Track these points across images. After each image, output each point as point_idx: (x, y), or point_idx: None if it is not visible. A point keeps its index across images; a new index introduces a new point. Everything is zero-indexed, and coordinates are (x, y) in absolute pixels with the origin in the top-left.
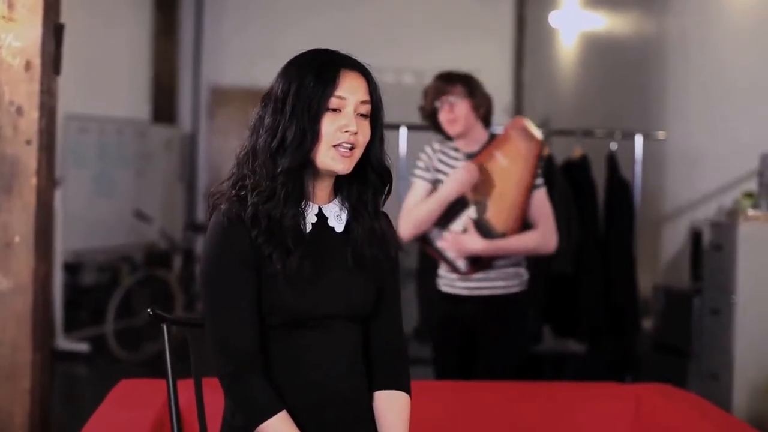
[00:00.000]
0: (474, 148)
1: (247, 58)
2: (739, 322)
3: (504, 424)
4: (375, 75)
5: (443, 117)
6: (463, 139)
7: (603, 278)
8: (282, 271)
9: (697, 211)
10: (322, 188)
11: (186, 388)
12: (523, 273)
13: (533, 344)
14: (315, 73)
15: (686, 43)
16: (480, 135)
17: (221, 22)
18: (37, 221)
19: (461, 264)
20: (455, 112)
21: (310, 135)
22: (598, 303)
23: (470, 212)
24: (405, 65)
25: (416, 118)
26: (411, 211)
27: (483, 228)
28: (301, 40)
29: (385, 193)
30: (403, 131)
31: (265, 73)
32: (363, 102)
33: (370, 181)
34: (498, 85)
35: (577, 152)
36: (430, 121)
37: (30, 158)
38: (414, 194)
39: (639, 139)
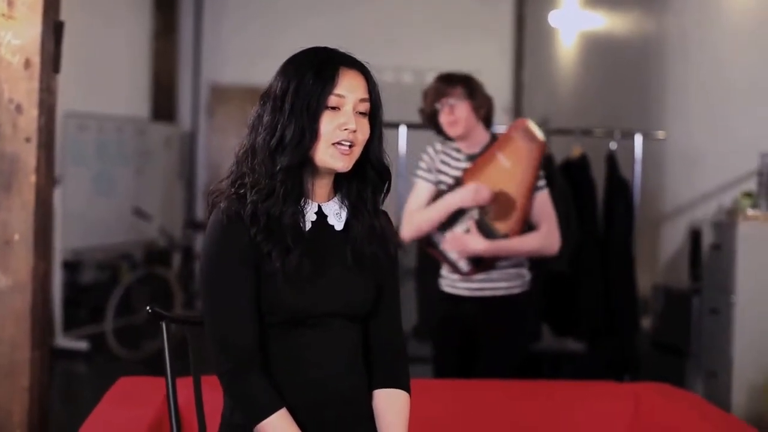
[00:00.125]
0: (475, 149)
1: (247, 56)
2: (738, 322)
3: (503, 423)
4: (374, 73)
5: (444, 119)
6: (464, 140)
7: (602, 277)
8: (281, 269)
9: (696, 211)
10: (322, 186)
11: (185, 385)
12: (525, 274)
13: (533, 343)
14: (314, 71)
15: (686, 43)
16: (481, 136)
17: (221, 20)
18: (37, 219)
19: (463, 264)
20: (456, 113)
21: (309, 133)
22: (598, 302)
23: (472, 213)
24: (404, 64)
25: (415, 117)
26: (413, 214)
27: (485, 229)
28: (301, 39)
29: (385, 191)
30: (403, 130)
31: (264, 72)
32: (362, 100)
33: (369, 179)
34: (497, 84)
35: (576, 152)
36: (431, 123)
37: (29, 156)
38: (416, 195)
39: (638, 139)
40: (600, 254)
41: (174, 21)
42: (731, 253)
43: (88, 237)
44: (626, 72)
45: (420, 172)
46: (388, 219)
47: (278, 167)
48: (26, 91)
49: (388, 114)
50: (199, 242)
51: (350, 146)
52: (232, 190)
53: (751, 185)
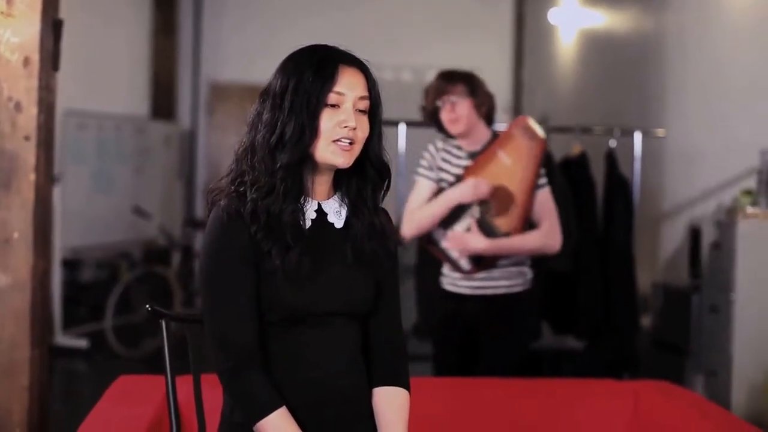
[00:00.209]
0: (477, 146)
1: (246, 54)
2: (738, 320)
3: (503, 421)
4: (373, 71)
5: (445, 116)
6: (465, 138)
7: (602, 275)
8: (281, 267)
9: (696, 209)
10: (321, 184)
11: (185, 384)
12: (527, 272)
13: (533, 341)
14: (314, 69)
15: (685, 41)
16: (482, 134)
17: (220, 18)
18: (36, 217)
19: (464, 263)
20: (457, 111)
21: (309, 130)
22: (597, 300)
23: (473, 211)
24: (404, 63)
25: (415, 115)
26: (414, 212)
27: (486, 227)
28: (300, 37)
29: (384, 189)
30: (402, 128)
31: (264, 70)
32: (362, 98)
33: (369, 176)
34: (497, 82)
35: (576, 149)
36: (432, 121)
37: (28, 154)
38: (417, 193)
39: (638, 137)
40: (599, 252)
41: (173, 19)
42: (731, 251)
43: (88, 235)
44: (626, 70)
45: (421, 170)
46: (388, 217)
47: (278, 165)
48: (25, 89)
49: (387, 112)
50: (199, 241)
51: (350, 143)
52: (232, 188)
53: (751, 183)
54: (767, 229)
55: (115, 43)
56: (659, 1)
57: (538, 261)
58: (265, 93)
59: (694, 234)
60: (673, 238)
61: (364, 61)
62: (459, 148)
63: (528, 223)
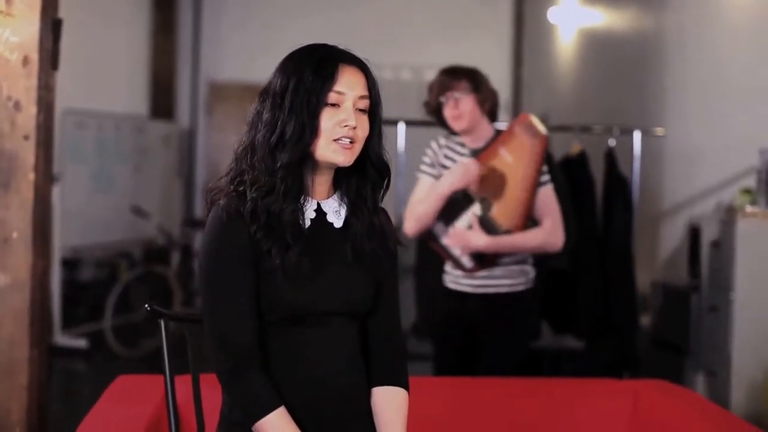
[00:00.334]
0: (480, 143)
1: (246, 53)
2: (737, 319)
3: (502, 420)
4: (373, 70)
5: (448, 113)
6: (468, 134)
7: (601, 275)
8: (281, 266)
9: (695, 208)
10: (321, 183)
11: (184, 383)
12: (529, 271)
13: (533, 341)
14: (313, 68)
15: (684, 40)
16: (486, 130)
17: (220, 17)
18: (35, 217)
19: (466, 260)
20: (460, 107)
21: (309, 130)
22: (597, 299)
23: (475, 209)
24: (403, 62)
25: (414, 114)
26: (413, 206)
27: (487, 225)
28: (300, 36)
29: (384, 188)
30: (402, 127)
31: (263, 69)
32: (362, 97)
33: (368, 176)
34: (496, 81)
35: (575, 148)
36: (436, 117)
37: (28, 154)
38: (419, 190)
39: (637, 136)
40: (599, 251)
41: (173, 19)
42: (730, 250)
43: (87, 235)
44: (625, 69)
45: (423, 167)
46: (388, 216)
47: (278, 164)
48: (24, 88)
49: (387, 111)
50: (198, 240)
51: (350, 143)
52: (231, 187)
53: (750, 182)
54: (766, 228)
55: (114, 42)
56: (659, 1)
57: (539, 260)
58: (265, 92)
59: (694, 233)
60: (672, 237)
61: (364, 61)
62: (462, 144)
63: (530, 221)
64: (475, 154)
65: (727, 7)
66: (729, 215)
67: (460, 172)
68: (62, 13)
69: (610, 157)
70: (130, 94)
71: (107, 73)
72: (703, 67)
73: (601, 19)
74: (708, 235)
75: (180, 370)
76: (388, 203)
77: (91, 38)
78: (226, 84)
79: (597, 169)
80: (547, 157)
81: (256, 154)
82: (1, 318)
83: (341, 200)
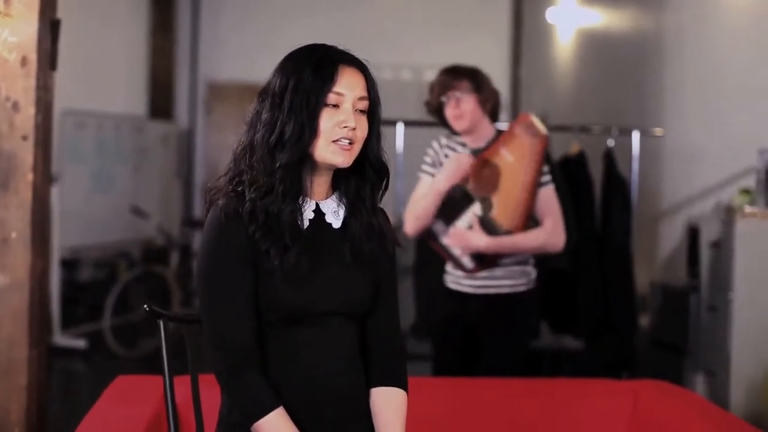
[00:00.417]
0: (481, 143)
1: (245, 53)
2: (736, 319)
3: (501, 421)
4: (373, 71)
5: (449, 113)
6: (469, 134)
7: (600, 275)
8: (279, 267)
9: (694, 208)
10: (320, 184)
11: (183, 384)
12: (531, 271)
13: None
14: (313, 69)
15: (683, 40)
16: (487, 130)
17: (218, 17)
18: (34, 217)
19: (467, 261)
20: (461, 107)
21: (309, 130)
22: (596, 300)
23: (475, 209)
24: (402, 62)
25: (413, 114)
26: (412, 205)
27: (488, 225)
28: (299, 36)
29: (383, 188)
30: (400, 127)
31: (262, 69)
32: (361, 98)
33: (367, 177)
34: (495, 81)
35: (574, 148)
36: (437, 117)
37: (26, 154)
38: (420, 190)
39: (636, 136)
40: (598, 251)
41: (171, 18)
42: (729, 250)
43: (86, 235)
44: (624, 69)
45: (424, 167)
46: (386, 217)
47: (277, 164)
48: (23, 88)
49: (386, 111)
50: (197, 240)
51: (349, 144)
52: (230, 187)
53: (749, 182)
54: (765, 228)
55: (112, 42)
56: (657, 1)
57: (539, 260)
58: (264, 92)
59: (693, 233)
60: (671, 237)
61: (363, 61)
62: (463, 144)
63: (531, 221)
64: (476, 154)
65: (726, 6)
66: (728, 215)
67: (453, 165)
68: (60, 13)
69: (608, 157)
70: (128, 95)
71: (106, 73)
72: (701, 67)
73: (600, 19)
74: (707, 235)
75: (179, 370)
76: (387, 204)
77: (90, 38)
78: (224, 84)
79: (596, 170)
80: (546, 157)
81: (255, 154)
82: (0, 318)
83: (340, 201)
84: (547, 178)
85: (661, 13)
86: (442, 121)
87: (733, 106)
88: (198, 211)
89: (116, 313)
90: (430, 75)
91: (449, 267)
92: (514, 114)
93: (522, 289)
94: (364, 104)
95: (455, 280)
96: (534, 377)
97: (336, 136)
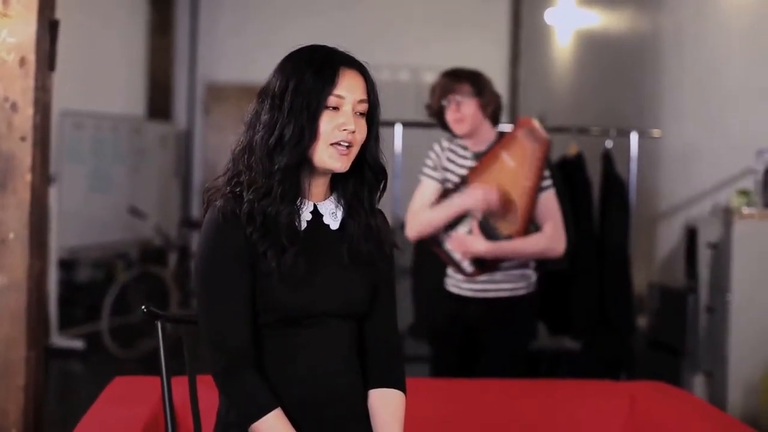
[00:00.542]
0: (482, 147)
1: (243, 54)
2: (734, 321)
3: (499, 422)
4: (372, 73)
5: (450, 116)
6: (470, 138)
7: (598, 276)
8: (277, 268)
9: (692, 209)
10: (318, 185)
11: (180, 385)
12: (531, 275)
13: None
14: (314, 71)
15: (681, 41)
16: (488, 134)
17: (217, 18)
18: (32, 218)
19: (467, 265)
20: (462, 111)
21: (308, 133)
22: (594, 300)
23: (476, 213)
24: (401, 62)
25: (412, 115)
26: (417, 213)
27: (488, 230)
28: (297, 37)
29: (381, 190)
30: (399, 128)
31: (260, 70)
32: (361, 101)
33: (365, 178)
34: (493, 82)
35: (572, 150)
36: (438, 120)
37: (24, 154)
38: (422, 194)
39: (634, 137)
40: (596, 253)
41: (170, 19)
42: (727, 251)
43: (84, 235)
44: (622, 70)
45: (426, 170)
46: (384, 218)
47: (276, 167)
48: (21, 89)
49: (384, 112)
50: (195, 241)
51: (348, 146)
52: (228, 188)
53: (747, 183)
54: (763, 229)
55: (111, 43)
56: (655, 2)
57: (538, 263)
58: (264, 93)
59: (690, 234)
60: (669, 238)
61: (363, 64)
62: (464, 148)
63: (532, 226)
64: (478, 157)
65: (724, 7)
66: (726, 216)
67: (480, 196)
68: (59, 14)
69: (607, 158)
70: (127, 95)
71: (104, 74)
72: (699, 68)
73: (598, 20)
74: (705, 236)
75: (177, 371)
76: (384, 205)
77: (88, 39)
78: (223, 85)
79: (594, 171)
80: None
81: (253, 155)
82: None
83: (338, 202)
84: (547, 182)
85: (659, 15)
86: (442, 125)
87: (730, 108)
88: (196, 211)
89: (114, 313)
90: (429, 76)
91: (450, 270)
92: (513, 115)
93: (522, 292)
94: (363, 107)
95: (455, 283)
96: (532, 378)
97: (335, 139)
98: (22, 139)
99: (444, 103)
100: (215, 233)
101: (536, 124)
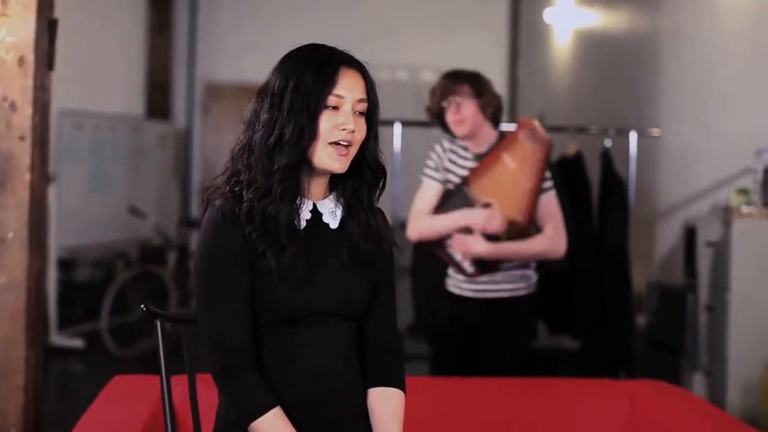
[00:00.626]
0: (483, 148)
1: (242, 53)
2: (733, 319)
3: (498, 420)
4: (372, 73)
5: (450, 118)
6: (471, 139)
7: (597, 275)
8: (276, 267)
9: (691, 208)
10: (318, 185)
11: (180, 384)
12: (531, 275)
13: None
14: (314, 70)
15: (679, 40)
16: (489, 135)
17: (216, 17)
18: (31, 217)
19: (467, 266)
20: (462, 112)
21: (308, 132)
22: (593, 299)
23: None
24: (399, 62)
25: (410, 114)
26: (419, 216)
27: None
28: (296, 36)
29: (380, 189)
30: (398, 127)
31: (259, 69)
32: (360, 100)
33: (365, 177)
34: (492, 81)
35: (571, 149)
36: (438, 121)
37: (23, 154)
38: (423, 195)
39: (633, 136)
40: (595, 252)
41: (169, 18)
42: (726, 250)
43: (83, 235)
44: (621, 69)
45: (428, 171)
46: (384, 217)
47: (276, 166)
48: (20, 88)
49: (383, 111)
50: (194, 240)
51: (347, 146)
52: (227, 187)
53: (745, 182)
54: (762, 228)
55: (110, 42)
56: (654, 1)
57: (538, 263)
58: (263, 92)
59: (690, 233)
60: (668, 237)
61: (363, 63)
62: (465, 149)
63: (533, 227)
64: (479, 158)
65: (722, 7)
66: (725, 215)
67: (486, 219)
68: (58, 13)
69: (606, 157)
70: (126, 95)
71: (103, 73)
72: (698, 68)
73: (597, 19)
74: (704, 235)
75: (176, 370)
76: (384, 204)
77: (87, 38)
78: (222, 84)
79: (593, 170)
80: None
81: (253, 154)
82: None
83: (337, 201)
84: (548, 184)
85: (657, 14)
86: (443, 126)
87: (729, 107)
88: (195, 211)
89: (113, 313)
90: (427, 75)
91: (451, 271)
92: (512, 114)
93: (522, 293)
94: (363, 106)
95: (456, 284)
96: (531, 377)
97: (334, 138)
98: (21, 138)
99: (444, 104)
100: (215, 232)
101: (537, 125)
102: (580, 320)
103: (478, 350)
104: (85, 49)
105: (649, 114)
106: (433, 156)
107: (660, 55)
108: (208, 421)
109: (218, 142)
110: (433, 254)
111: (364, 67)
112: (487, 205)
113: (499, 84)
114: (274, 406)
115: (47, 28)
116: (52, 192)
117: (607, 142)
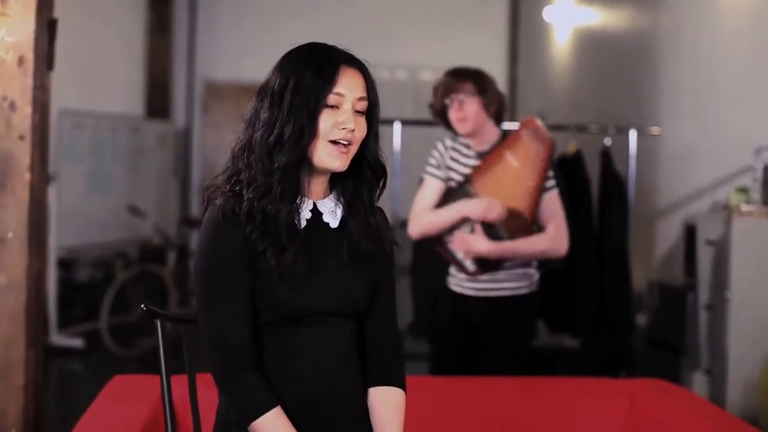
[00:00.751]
0: (485, 146)
1: (242, 53)
2: (733, 318)
3: (498, 419)
4: (372, 71)
5: (453, 115)
6: (473, 137)
7: (597, 274)
8: (276, 267)
9: (691, 207)
10: (318, 184)
11: (180, 383)
12: (533, 274)
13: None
14: (314, 69)
15: (679, 39)
16: (491, 133)
17: (215, 17)
18: (31, 217)
19: (469, 264)
20: (465, 110)
21: (308, 131)
22: (593, 298)
23: None
24: (399, 61)
25: (410, 113)
26: (421, 213)
27: (490, 230)
28: (296, 35)
29: (380, 187)
30: (397, 126)
31: (259, 68)
32: (360, 99)
33: (365, 176)
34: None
35: (571, 147)
36: (440, 119)
37: (23, 154)
38: (425, 193)
39: (633, 135)
40: (595, 250)
41: (168, 17)
42: (726, 248)
43: (83, 235)
44: (620, 68)
45: (429, 169)
46: (384, 216)
47: (276, 165)
48: (20, 88)
49: (382, 110)
50: (194, 240)
51: (347, 145)
52: (228, 186)
53: (745, 181)
54: (762, 226)
55: (109, 42)
56: (654, 0)
57: (540, 262)
58: (263, 91)
59: (689, 232)
60: (668, 236)
61: (363, 62)
62: (468, 147)
63: (535, 226)
64: (481, 156)
65: (721, 6)
66: (725, 214)
67: (484, 207)
68: (57, 13)
69: (605, 156)
70: (125, 94)
71: (103, 73)
72: (698, 67)
73: (597, 18)
74: (704, 233)
75: (176, 369)
76: (384, 203)
77: (87, 38)
78: (221, 83)
79: (593, 168)
80: None
81: (253, 154)
82: None
83: (337, 200)
84: (551, 183)
85: (657, 13)
86: (445, 124)
87: (729, 105)
88: (195, 210)
89: (113, 312)
90: (427, 74)
91: (452, 269)
92: (512, 113)
93: (524, 291)
94: (363, 105)
95: (458, 282)
96: (531, 376)
97: (334, 137)
98: (21, 138)
99: (447, 102)
100: (215, 232)
101: (540, 124)
102: (580, 319)
103: (478, 349)
104: (85, 49)
105: (649, 112)
106: (435, 154)
107: (660, 54)
108: (208, 421)
109: (218, 142)
110: (433, 253)
111: (364, 65)
112: None
113: (499, 83)
114: (274, 406)
115: (47, 27)
116: (51, 192)
117: (607, 141)
